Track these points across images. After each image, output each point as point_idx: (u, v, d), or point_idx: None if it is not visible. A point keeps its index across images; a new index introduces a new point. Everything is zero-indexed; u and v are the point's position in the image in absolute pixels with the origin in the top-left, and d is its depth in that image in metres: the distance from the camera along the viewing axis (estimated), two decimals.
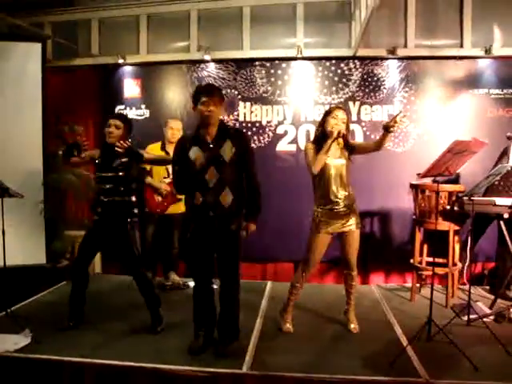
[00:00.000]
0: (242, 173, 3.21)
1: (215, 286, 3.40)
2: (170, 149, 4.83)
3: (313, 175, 3.58)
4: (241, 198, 3.20)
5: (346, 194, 3.60)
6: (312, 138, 3.76)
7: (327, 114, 3.61)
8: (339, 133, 3.50)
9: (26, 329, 3.50)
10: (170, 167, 4.75)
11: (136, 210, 3.75)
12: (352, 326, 3.76)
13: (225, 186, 3.12)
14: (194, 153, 3.12)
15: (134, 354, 3.24)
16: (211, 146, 3.13)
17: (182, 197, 4.67)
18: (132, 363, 3.10)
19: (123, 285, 4.65)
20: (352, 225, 3.61)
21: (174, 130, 4.88)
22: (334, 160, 3.57)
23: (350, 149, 3.64)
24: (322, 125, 3.62)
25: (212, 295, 3.37)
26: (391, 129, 3.35)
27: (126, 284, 4.56)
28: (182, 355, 3.26)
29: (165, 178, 4.89)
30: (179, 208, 4.89)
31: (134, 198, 3.73)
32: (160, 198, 4.86)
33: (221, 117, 3.27)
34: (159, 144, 4.96)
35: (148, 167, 4.86)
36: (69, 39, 5.70)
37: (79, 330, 3.69)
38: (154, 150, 4.89)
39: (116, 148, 3.45)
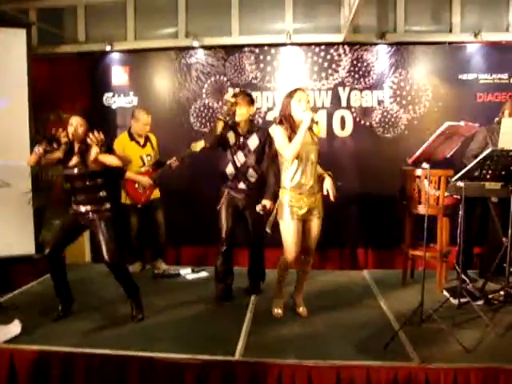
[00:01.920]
0: (262, 159, 4.06)
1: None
2: (140, 139, 4.82)
3: (284, 158, 3.49)
4: (262, 178, 4.06)
5: (312, 181, 3.52)
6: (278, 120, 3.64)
7: (290, 97, 3.48)
8: (312, 119, 3.38)
9: (15, 319, 3.47)
10: (145, 157, 4.84)
11: (109, 205, 3.68)
12: (300, 309, 3.79)
13: (249, 168, 4.04)
14: (230, 136, 4.04)
15: (125, 342, 3.22)
16: (241, 136, 4.03)
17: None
18: (122, 352, 3.08)
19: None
20: (316, 213, 3.57)
21: (146, 126, 4.81)
22: (305, 143, 3.45)
23: None
24: (286, 108, 3.50)
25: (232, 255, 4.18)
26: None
27: None
28: (172, 343, 3.24)
29: (141, 167, 4.84)
30: (156, 193, 4.92)
31: (105, 193, 3.67)
32: (142, 190, 4.82)
33: (251, 113, 4.07)
34: (126, 135, 4.86)
35: None
36: (54, 26, 5.60)
37: (69, 319, 3.66)
38: (122, 140, 4.82)
39: (89, 140, 3.41)
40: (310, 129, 3.44)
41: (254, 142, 4.04)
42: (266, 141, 4.05)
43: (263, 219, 3.90)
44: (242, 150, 4.03)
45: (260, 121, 5.34)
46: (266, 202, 3.95)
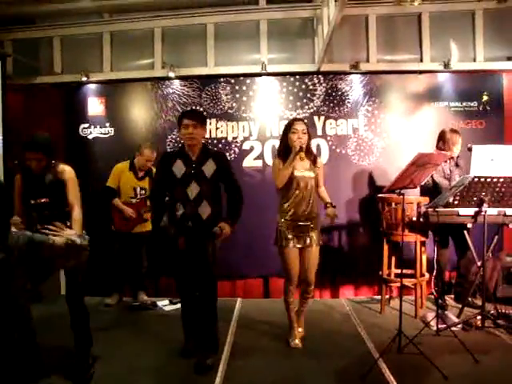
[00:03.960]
0: (219, 188, 3.47)
1: None
2: (139, 172, 4.87)
3: (277, 188, 3.64)
4: (218, 211, 3.46)
5: (310, 208, 3.62)
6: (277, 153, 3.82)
7: (287, 128, 3.65)
8: (301, 147, 3.54)
9: None
10: (138, 189, 4.87)
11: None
12: (296, 341, 3.74)
13: (203, 199, 3.37)
14: (178, 167, 3.39)
15: (102, 377, 3.15)
16: (194, 163, 3.40)
17: (149, 216, 4.61)
18: None
19: (89, 307, 4.52)
20: (313, 241, 3.63)
21: (148, 162, 4.84)
22: (303, 172, 3.62)
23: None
24: (284, 140, 3.67)
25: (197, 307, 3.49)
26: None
27: (91, 306, 4.44)
28: (152, 377, 3.19)
29: (131, 198, 4.86)
30: (146, 227, 4.86)
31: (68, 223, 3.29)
32: (125, 219, 4.83)
33: (204, 135, 3.55)
34: (127, 164, 4.90)
35: (115, 186, 4.84)
36: (30, 57, 5.60)
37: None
38: (121, 167, 4.86)
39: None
40: (314, 159, 3.71)
41: (209, 168, 3.40)
42: (227, 166, 3.53)
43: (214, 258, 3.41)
44: (196, 179, 3.38)
45: (237, 150, 5.37)
46: (227, 227, 3.36)
